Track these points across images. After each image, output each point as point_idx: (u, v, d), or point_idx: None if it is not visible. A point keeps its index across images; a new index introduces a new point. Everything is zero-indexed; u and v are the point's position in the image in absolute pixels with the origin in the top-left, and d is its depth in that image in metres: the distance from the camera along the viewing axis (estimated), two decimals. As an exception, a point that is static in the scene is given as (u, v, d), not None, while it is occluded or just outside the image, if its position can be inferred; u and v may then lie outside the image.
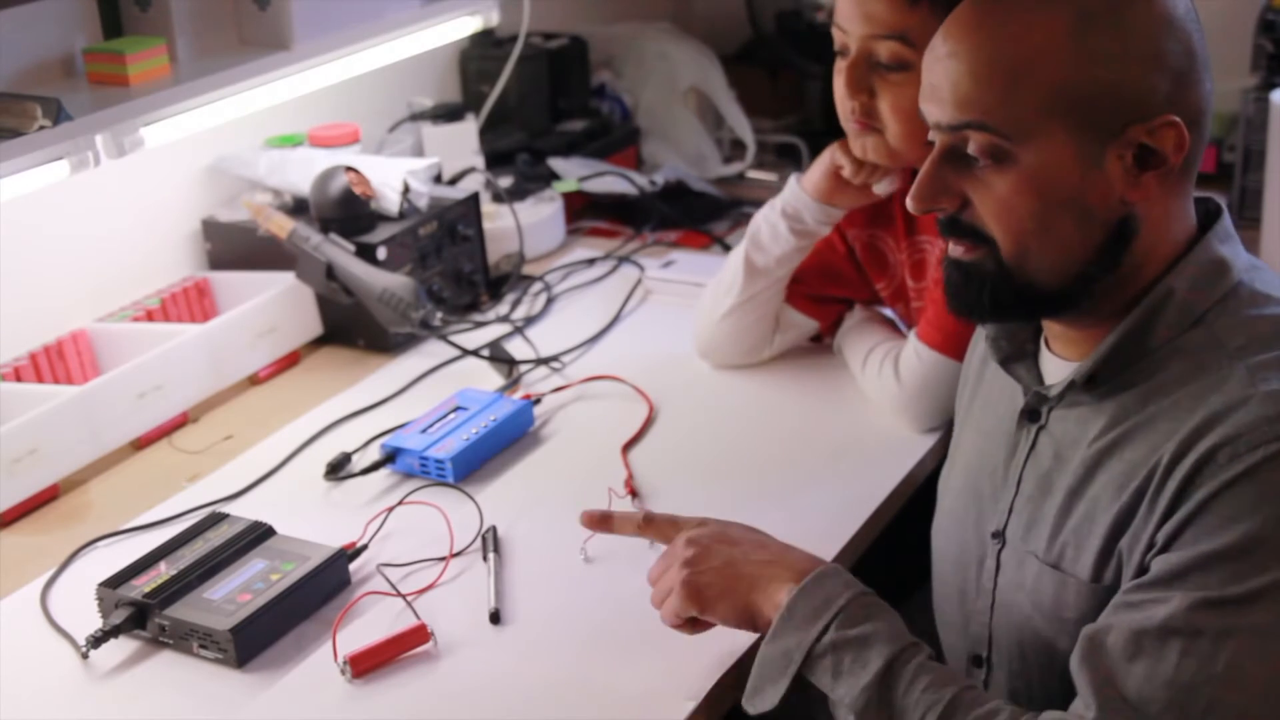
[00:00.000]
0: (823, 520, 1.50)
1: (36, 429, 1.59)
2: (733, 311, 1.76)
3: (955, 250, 1.14)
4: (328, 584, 1.41)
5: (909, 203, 1.13)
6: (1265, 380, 1.04)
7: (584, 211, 2.40)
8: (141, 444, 1.74)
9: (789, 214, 1.69)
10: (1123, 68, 1.05)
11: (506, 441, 1.68)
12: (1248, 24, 2.24)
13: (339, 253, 1.87)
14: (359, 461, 1.66)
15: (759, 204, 2.43)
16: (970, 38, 1.08)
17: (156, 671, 1.32)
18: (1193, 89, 1.08)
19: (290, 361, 1.94)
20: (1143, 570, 1.07)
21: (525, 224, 2.18)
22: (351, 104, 2.23)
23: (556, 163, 2.37)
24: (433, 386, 1.84)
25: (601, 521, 1.32)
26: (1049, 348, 1.21)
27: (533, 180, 2.31)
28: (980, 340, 1.33)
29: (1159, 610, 1.02)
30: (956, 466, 1.34)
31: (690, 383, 1.81)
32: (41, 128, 1.59)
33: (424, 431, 1.65)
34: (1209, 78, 1.10)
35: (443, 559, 1.45)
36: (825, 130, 2.67)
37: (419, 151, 2.27)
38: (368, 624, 1.36)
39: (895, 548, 1.55)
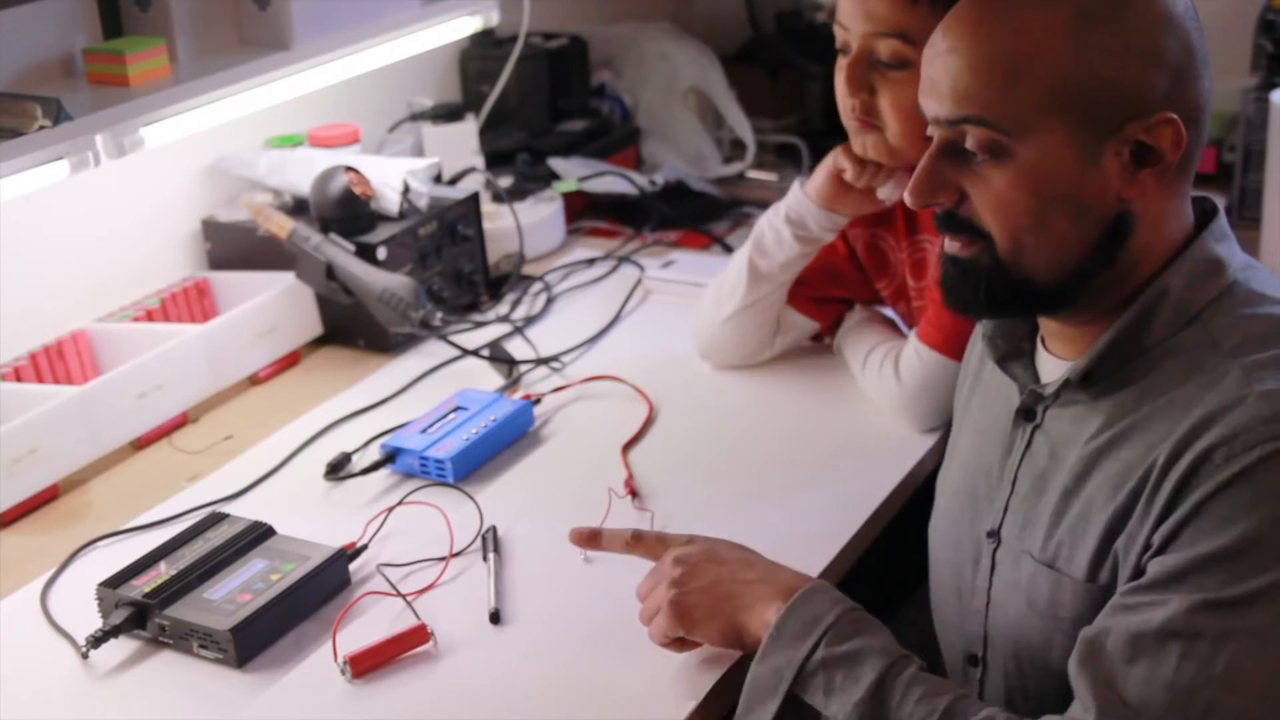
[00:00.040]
0: (823, 520, 1.50)
1: (36, 429, 1.59)
2: (735, 315, 1.76)
3: (951, 246, 1.14)
4: (328, 584, 1.41)
5: (906, 197, 1.14)
6: (1261, 380, 1.04)
7: (584, 211, 2.40)
8: (141, 444, 1.74)
9: (793, 220, 1.68)
10: (1122, 64, 1.06)
11: (506, 441, 1.68)
12: (1248, 24, 2.24)
13: (339, 253, 1.87)
14: (359, 461, 1.66)
15: (759, 204, 2.46)
16: (970, 33, 1.09)
17: (156, 671, 1.32)
18: (1191, 87, 1.08)
19: (290, 361, 1.94)
20: (1139, 571, 1.07)
21: (525, 224, 2.18)
22: (351, 104, 2.23)
23: (556, 163, 2.37)
24: (433, 386, 1.84)
25: (590, 539, 1.33)
26: (1045, 347, 1.21)
27: (533, 180, 2.31)
28: (978, 340, 1.33)
29: (1157, 613, 1.02)
30: (953, 466, 1.34)
31: (690, 383, 1.81)
32: (41, 128, 1.59)
33: (424, 431, 1.65)
34: (1208, 76, 1.10)
35: (443, 559, 1.45)
36: (825, 130, 2.67)
37: (419, 151, 2.27)
38: (368, 624, 1.36)
39: (895, 548, 1.55)
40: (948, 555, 1.31)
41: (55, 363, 1.78)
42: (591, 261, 2.20)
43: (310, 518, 1.55)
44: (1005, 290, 1.12)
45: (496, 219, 2.18)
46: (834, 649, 1.13)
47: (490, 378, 1.84)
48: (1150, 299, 1.11)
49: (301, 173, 1.98)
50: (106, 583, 1.37)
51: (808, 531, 1.48)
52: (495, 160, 2.34)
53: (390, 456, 1.62)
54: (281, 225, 1.89)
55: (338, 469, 1.64)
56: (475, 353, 1.88)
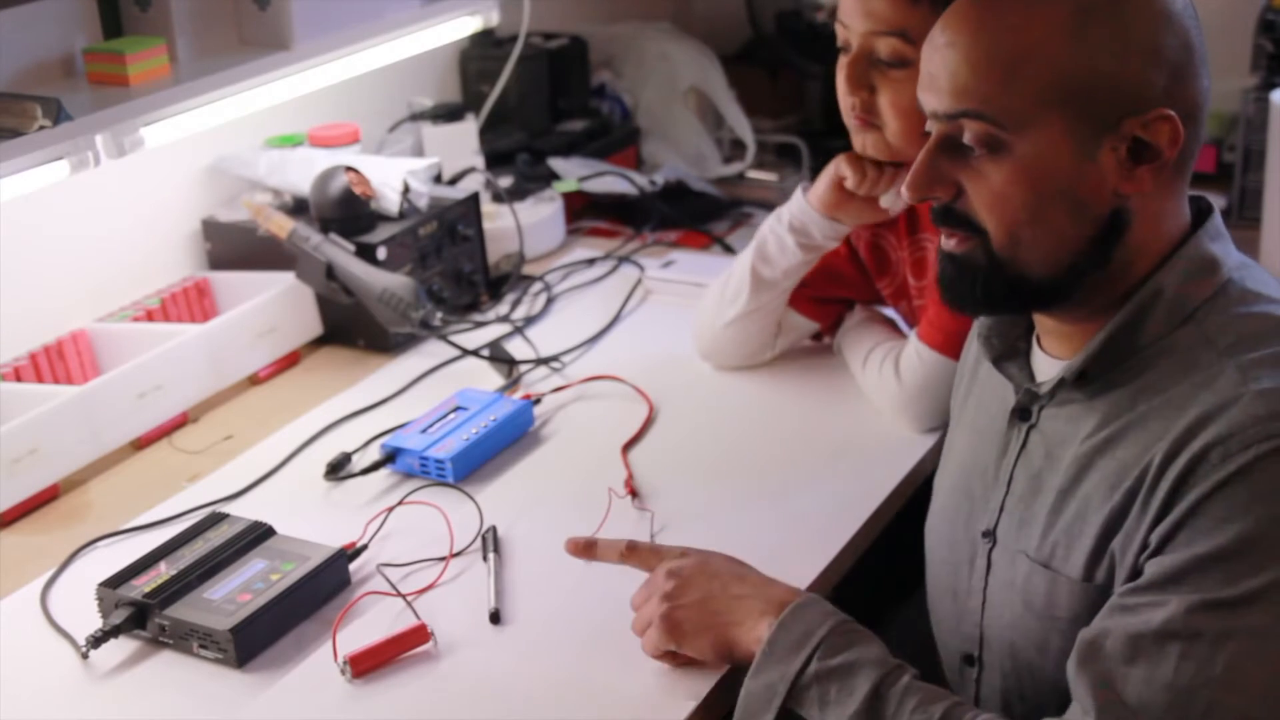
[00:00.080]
0: (823, 520, 1.50)
1: (36, 429, 1.59)
2: (738, 320, 1.77)
3: (948, 243, 1.15)
4: (328, 584, 1.41)
5: (904, 191, 1.14)
6: (1256, 379, 1.04)
7: (584, 211, 2.40)
8: (141, 444, 1.74)
9: (796, 229, 1.68)
10: (1120, 61, 1.06)
11: (506, 441, 1.68)
12: (1248, 24, 2.25)
13: (339, 253, 1.87)
14: (359, 461, 1.66)
15: (759, 204, 2.47)
16: (969, 27, 1.09)
17: (156, 671, 1.32)
18: (1189, 84, 1.08)
19: (290, 361, 1.94)
20: (1136, 572, 1.07)
21: (525, 224, 2.18)
22: (351, 104, 2.23)
23: (556, 163, 2.37)
24: (433, 386, 1.84)
25: (586, 549, 1.33)
26: (1041, 346, 1.21)
27: (533, 180, 2.31)
28: (974, 340, 1.33)
29: (1156, 614, 1.02)
30: (948, 466, 1.34)
31: (690, 383, 1.81)
32: (41, 128, 1.59)
33: (424, 431, 1.65)
34: (1206, 74, 1.10)
35: (443, 559, 1.45)
36: (825, 130, 2.67)
37: (419, 151, 2.27)
38: (368, 624, 1.36)
39: (895, 547, 1.55)
40: (943, 555, 1.31)
41: (55, 363, 1.78)
42: (591, 261, 2.20)
43: (310, 518, 1.55)
44: (1001, 286, 1.12)
45: (496, 219, 2.18)
46: (827, 662, 1.13)
47: (490, 378, 1.84)
48: (1145, 297, 1.11)
49: (301, 173, 1.98)
50: (106, 583, 1.37)
51: (808, 531, 1.48)
52: (495, 160, 2.34)
53: (390, 456, 1.62)
54: (281, 225, 1.89)
55: (338, 469, 1.64)
56: (475, 353, 1.88)
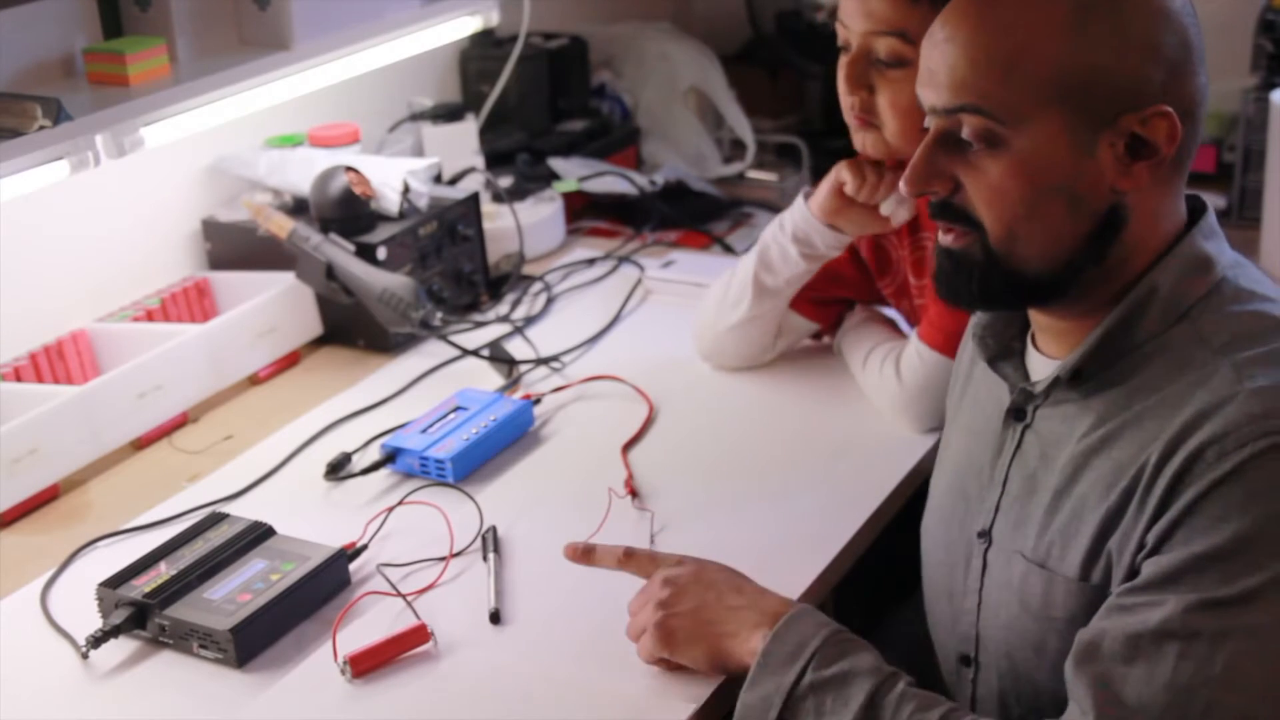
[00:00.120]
0: (823, 520, 1.50)
1: (36, 429, 1.59)
2: (739, 325, 1.77)
3: (945, 238, 1.15)
4: (328, 584, 1.41)
5: (902, 185, 1.14)
6: (1251, 377, 1.04)
7: (584, 211, 2.40)
8: (141, 444, 1.75)
9: (799, 238, 1.68)
10: (1118, 57, 1.06)
11: (506, 441, 1.68)
12: (1248, 24, 2.25)
13: (339, 253, 1.87)
14: (359, 461, 1.66)
15: (759, 204, 2.47)
16: (968, 23, 1.09)
17: (156, 671, 1.32)
18: (1187, 81, 1.08)
19: (290, 361, 1.94)
20: (1133, 571, 1.07)
21: (525, 224, 2.18)
22: (351, 104, 2.23)
23: (556, 163, 2.37)
24: (433, 386, 1.85)
25: (584, 555, 1.33)
26: (1036, 346, 1.21)
27: (533, 180, 2.31)
28: (969, 340, 1.33)
29: (1154, 613, 1.02)
30: (944, 466, 1.34)
31: (690, 383, 1.81)
32: (41, 128, 1.59)
33: (424, 431, 1.65)
34: (1204, 71, 1.10)
35: (443, 559, 1.45)
36: (825, 130, 2.67)
37: (419, 151, 2.27)
38: (368, 624, 1.36)
39: (895, 547, 1.55)
40: (939, 556, 1.31)
41: (55, 363, 1.78)
42: (591, 261, 2.20)
43: (310, 518, 1.55)
44: (998, 281, 1.12)
45: (496, 219, 2.18)
46: (821, 672, 1.13)
47: (490, 378, 1.84)
48: (1140, 295, 1.11)
49: (301, 173, 1.98)
50: (106, 583, 1.37)
51: (807, 532, 1.48)
52: (495, 160, 2.34)
53: (390, 456, 1.62)
54: (281, 225, 1.89)
55: (338, 469, 1.64)
56: (475, 353, 1.88)
